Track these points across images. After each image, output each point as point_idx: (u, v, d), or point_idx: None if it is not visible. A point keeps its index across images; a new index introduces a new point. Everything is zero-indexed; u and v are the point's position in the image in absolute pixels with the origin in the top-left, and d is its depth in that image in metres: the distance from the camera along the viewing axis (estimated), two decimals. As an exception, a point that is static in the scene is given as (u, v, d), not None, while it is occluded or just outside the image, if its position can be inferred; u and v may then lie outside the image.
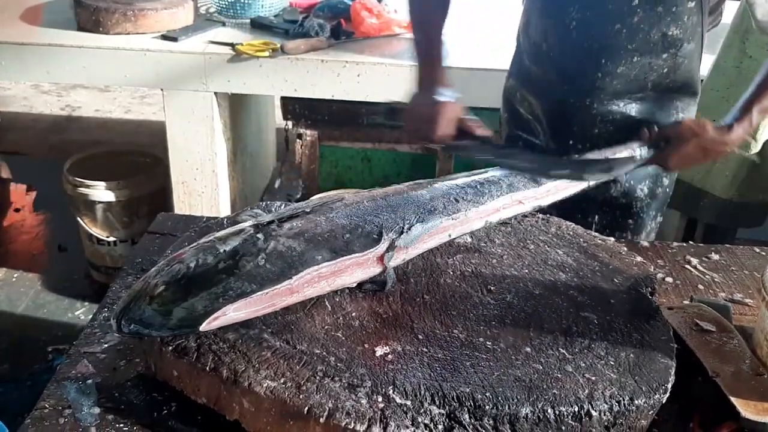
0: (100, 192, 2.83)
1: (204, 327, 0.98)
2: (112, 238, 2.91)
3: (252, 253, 1.05)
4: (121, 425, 1.00)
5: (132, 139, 4.04)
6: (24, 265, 3.18)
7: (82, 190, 2.84)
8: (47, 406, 1.03)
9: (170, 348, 1.00)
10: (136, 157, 3.13)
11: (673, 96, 1.55)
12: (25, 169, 3.72)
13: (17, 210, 3.54)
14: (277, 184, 3.32)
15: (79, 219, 2.92)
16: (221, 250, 1.04)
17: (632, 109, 1.54)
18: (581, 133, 1.56)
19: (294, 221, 1.13)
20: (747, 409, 1.00)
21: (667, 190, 1.67)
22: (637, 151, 1.45)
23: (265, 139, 3.52)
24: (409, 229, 1.18)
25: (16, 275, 3.10)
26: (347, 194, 1.26)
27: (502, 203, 1.32)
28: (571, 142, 1.58)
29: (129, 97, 4.69)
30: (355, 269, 1.12)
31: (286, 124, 2.82)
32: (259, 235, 1.07)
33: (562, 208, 1.48)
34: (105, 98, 4.67)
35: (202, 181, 2.65)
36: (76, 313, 2.89)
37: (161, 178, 2.84)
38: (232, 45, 2.46)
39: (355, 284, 1.14)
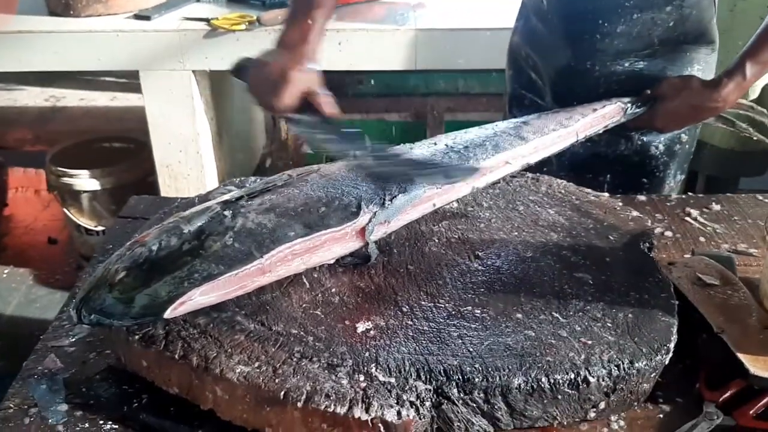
0: (85, 181, 2.77)
1: (169, 314, 0.91)
2: (100, 228, 2.85)
3: (219, 232, 0.97)
4: (90, 422, 0.94)
5: (119, 126, 3.96)
6: (15, 260, 3.12)
7: (66, 180, 2.77)
8: (12, 405, 0.97)
9: (137, 337, 0.93)
10: (121, 143, 3.07)
11: (686, 48, 1.46)
12: (12, 162, 3.65)
13: (6, 205, 3.48)
14: (267, 164, 3.25)
15: (65, 210, 2.86)
16: (186, 231, 0.97)
17: (639, 67, 1.45)
18: (586, 96, 1.45)
19: (265, 196, 1.06)
20: (756, 366, 0.93)
21: (687, 146, 1.57)
22: (628, 106, 1.39)
23: (253, 119, 3.44)
24: (391, 200, 1.09)
25: (6, 271, 3.05)
26: (324, 166, 1.18)
27: (489, 165, 1.22)
28: (575, 104, 1.48)
29: (113, 84, 4.59)
30: (332, 245, 1.04)
31: (271, 100, 2.73)
32: (227, 213, 1.00)
33: (572, 169, 1.42)
34: (88, 86, 4.58)
35: (186, 164, 2.58)
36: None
37: (147, 164, 2.77)
38: (207, 20, 2.38)
39: (333, 261, 1.07)
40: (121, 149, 3.01)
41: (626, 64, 1.46)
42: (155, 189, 2.68)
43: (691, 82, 1.37)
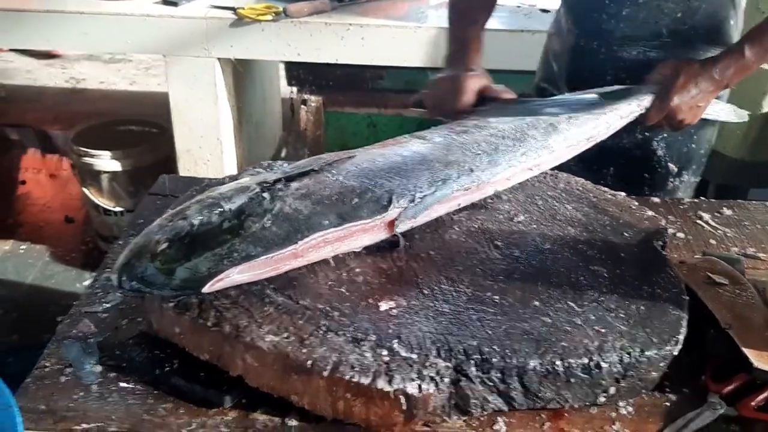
0: (105, 162, 2.82)
1: (207, 289, 0.96)
2: (118, 209, 2.90)
3: (258, 213, 1.02)
4: (123, 383, 0.99)
5: (137, 110, 4.01)
6: (32, 236, 3.18)
7: (87, 159, 2.82)
8: (48, 365, 1.02)
9: (171, 305, 0.98)
10: (142, 127, 3.11)
11: (698, 46, 1.45)
12: (31, 141, 3.70)
13: (23, 182, 3.53)
14: (283, 153, 3.30)
15: (84, 189, 2.91)
16: (226, 209, 1.01)
17: (648, 57, 1.46)
18: (594, 81, 1.47)
19: (301, 180, 1.10)
20: (760, 360, 0.98)
21: (695, 147, 1.58)
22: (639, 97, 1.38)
23: (270, 109, 3.49)
24: (422, 198, 1.13)
25: (24, 246, 3.10)
26: (358, 152, 1.22)
27: (513, 173, 1.26)
28: (585, 89, 1.50)
29: (134, 69, 4.65)
30: (362, 235, 1.09)
31: (291, 91, 2.78)
32: (266, 195, 1.05)
33: (580, 161, 1.45)
34: (109, 70, 4.63)
35: (206, 149, 2.63)
36: (84, 283, 2.88)
37: (167, 147, 2.81)
38: (233, 9, 2.42)
39: (359, 249, 1.11)
40: (141, 132, 3.05)
41: (634, 53, 1.47)
42: (174, 173, 2.72)
43: (687, 62, 1.35)
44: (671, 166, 1.57)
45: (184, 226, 0.98)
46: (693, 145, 1.58)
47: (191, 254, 0.97)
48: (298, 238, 1.02)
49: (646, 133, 1.53)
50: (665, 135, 1.53)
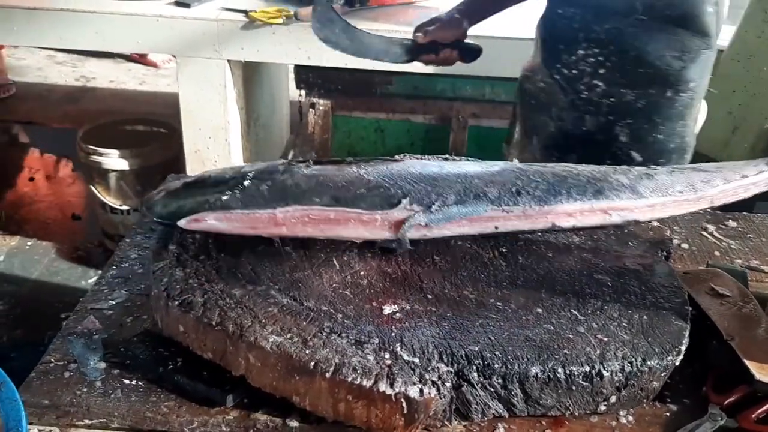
0: (113, 160, 2.83)
1: (183, 223, 1.06)
2: (125, 207, 2.92)
3: (263, 179, 1.07)
4: (126, 380, 1.00)
5: (146, 110, 4.03)
6: (38, 233, 3.19)
7: (96, 158, 2.84)
8: (52, 360, 1.03)
9: (176, 303, 0.99)
10: (150, 126, 3.13)
11: (676, 31, 1.39)
12: (39, 138, 3.73)
13: (31, 179, 3.55)
14: (290, 156, 3.30)
15: (92, 187, 2.93)
16: (243, 171, 1.09)
17: (622, 35, 1.41)
18: (567, 52, 1.46)
19: (326, 166, 1.13)
20: (761, 373, 0.97)
21: (662, 138, 1.49)
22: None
23: (279, 112, 3.50)
24: (441, 207, 1.07)
25: (30, 243, 3.12)
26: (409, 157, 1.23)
27: (579, 208, 1.12)
28: (557, 65, 1.49)
29: (143, 69, 4.67)
30: (358, 226, 1.08)
31: (300, 95, 2.79)
32: (281, 167, 1.10)
33: (545, 147, 1.47)
34: (119, 69, 4.66)
35: (214, 150, 2.64)
36: (89, 281, 2.90)
37: (175, 147, 2.83)
38: (245, 11, 2.43)
39: (359, 241, 1.11)
40: (149, 132, 3.07)
41: (607, 26, 1.43)
42: (182, 173, 2.73)
43: None
44: (634, 154, 1.51)
45: (205, 175, 1.12)
46: (660, 136, 1.51)
47: (188, 194, 1.08)
48: (280, 205, 1.05)
49: (610, 117, 1.49)
50: (630, 121, 1.48)
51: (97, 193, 2.92)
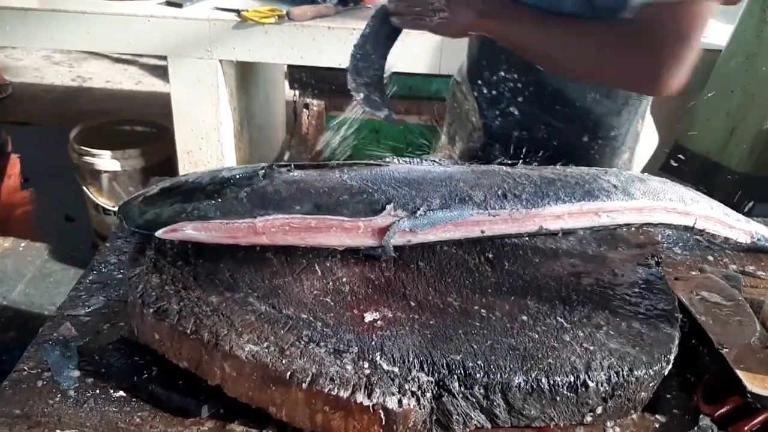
0: (106, 161, 2.81)
1: (161, 234, 1.03)
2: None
3: (242, 186, 1.05)
4: (100, 389, 0.97)
5: (142, 110, 4.02)
6: (32, 234, 3.17)
7: (88, 159, 2.82)
8: (26, 368, 1.01)
9: (151, 310, 0.96)
10: (144, 127, 3.11)
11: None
12: (35, 139, 3.71)
13: (25, 180, 3.53)
14: (286, 157, 3.28)
15: (85, 188, 2.90)
16: (221, 176, 1.07)
17: None
18: (490, 70, 1.38)
19: (306, 170, 1.10)
20: (754, 383, 0.95)
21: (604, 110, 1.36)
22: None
23: (274, 112, 3.48)
24: (426, 212, 1.06)
25: (23, 244, 3.10)
26: (389, 162, 1.19)
27: (567, 210, 1.11)
28: (479, 82, 1.42)
29: (140, 69, 4.65)
30: (339, 233, 1.05)
31: (294, 95, 2.77)
32: (261, 172, 1.07)
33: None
34: (115, 69, 4.64)
35: (207, 151, 2.62)
36: (82, 282, 2.88)
37: (168, 148, 2.81)
38: (237, 11, 2.41)
39: (342, 248, 1.08)
40: (142, 132, 3.05)
41: None
42: (174, 174, 2.71)
43: None
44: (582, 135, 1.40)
45: (182, 180, 1.08)
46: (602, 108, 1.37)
47: (165, 202, 1.04)
48: (260, 214, 1.03)
49: (518, 151, 1.36)
50: (536, 161, 1.29)
51: (90, 195, 2.90)
